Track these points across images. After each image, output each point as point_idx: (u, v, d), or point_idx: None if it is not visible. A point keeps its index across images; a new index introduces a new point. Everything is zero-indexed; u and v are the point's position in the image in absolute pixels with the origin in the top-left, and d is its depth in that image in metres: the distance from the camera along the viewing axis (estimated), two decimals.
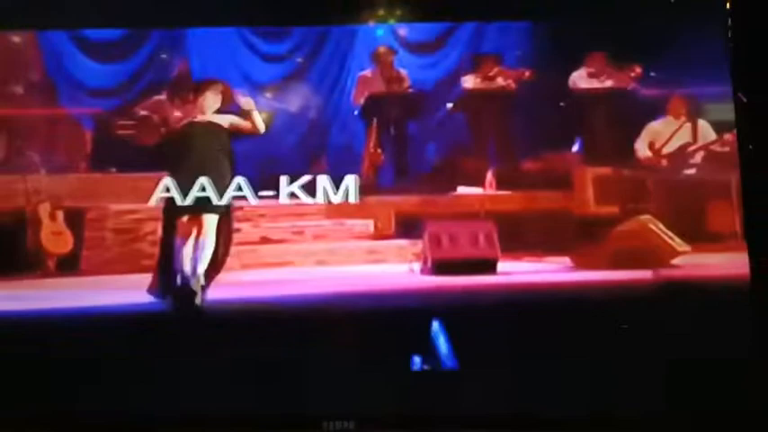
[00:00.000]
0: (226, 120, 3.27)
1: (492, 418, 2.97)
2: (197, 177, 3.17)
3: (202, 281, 3.11)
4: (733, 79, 3.16)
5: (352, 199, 3.17)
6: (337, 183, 3.15)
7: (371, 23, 3.50)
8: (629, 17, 3.35)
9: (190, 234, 3.15)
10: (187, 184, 3.15)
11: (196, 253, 3.14)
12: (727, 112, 3.14)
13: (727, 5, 3.21)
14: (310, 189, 3.17)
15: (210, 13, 3.34)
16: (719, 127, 3.24)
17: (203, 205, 3.14)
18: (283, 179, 3.14)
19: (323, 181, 3.13)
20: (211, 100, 3.23)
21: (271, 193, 3.15)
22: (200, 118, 3.29)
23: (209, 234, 3.12)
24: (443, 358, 3.01)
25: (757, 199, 3.06)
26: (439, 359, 3.03)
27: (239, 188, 3.17)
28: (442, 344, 3.00)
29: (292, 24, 3.51)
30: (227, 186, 3.23)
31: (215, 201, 3.15)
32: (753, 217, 3.05)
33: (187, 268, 3.14)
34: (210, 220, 3.14)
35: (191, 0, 3.49)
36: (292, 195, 3.14)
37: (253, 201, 3.14)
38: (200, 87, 3.26)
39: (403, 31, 3.53)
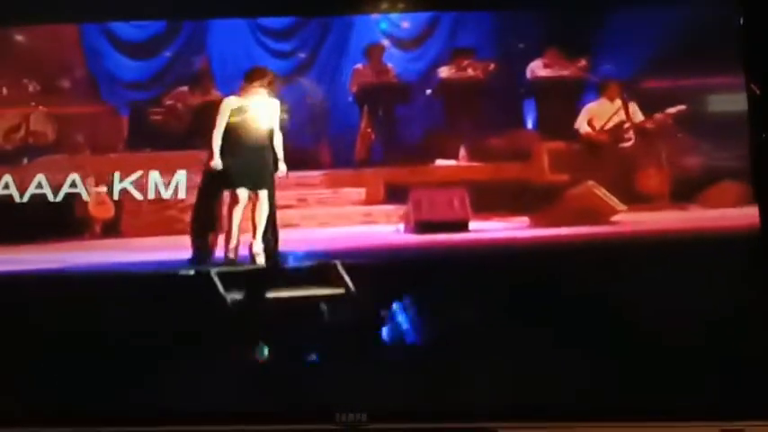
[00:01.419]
0: (273, 106, 3.46)
1: (504, 409, 2.98)
2: (249, 158, 3.42)
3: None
4: (746, 70, 3.21)
5: (182, 194, 3.38)
6: (168, 179, 3.37)
7: (368, 16, 3.69)
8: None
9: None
10: (235, 165, 3.41)
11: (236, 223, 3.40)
12: (738, 102, 3.21)
13: None
14: (141, 185, 3.38)
15: (223, 6, 3.54)
16: (730, 118, 3.25)
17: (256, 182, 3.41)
18: (116, 175, 3.39)
19: (154, 177, 3.37)
20: (259, 88, 3.42)
21: (103, 189, 3.40)
22: (250, 103, 3.45)
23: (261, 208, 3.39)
24: (405, 334, 3.13)
25: None
26: (402, 334, 3.15)
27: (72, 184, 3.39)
28: (403, 321, 3.14)
29: (294, 15, 3.71)
30: (273, 164, 3.43)
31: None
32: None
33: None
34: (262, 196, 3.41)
35: None
36: (123, 191, 3.38)
37: (85, 196, 3.41)
38: (251, 76, 3.44)
39: (391, 29, 3.75)
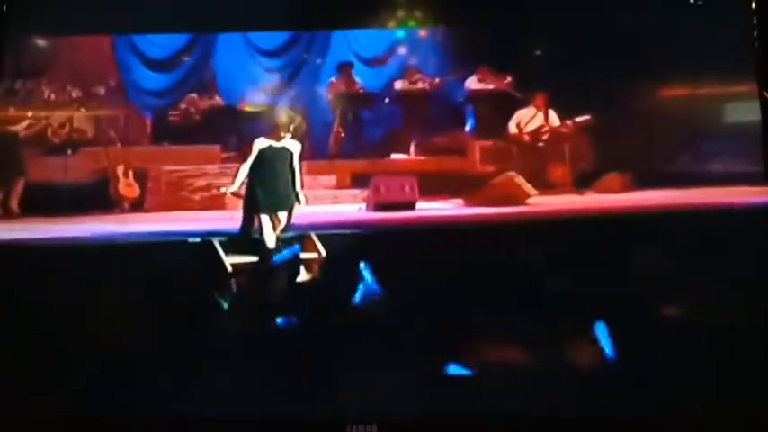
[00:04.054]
0: (294, 147, 3.57)
1: (515, 421, 2.79)
2: (273, 188, 3.52)
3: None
4: (758, 78, 3.07)
5: None
6: None
7: (341, 41, 4.09)
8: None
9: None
10: (266, 191, 3.52)
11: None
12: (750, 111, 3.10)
13: (753, 5, 3.10)
14: None
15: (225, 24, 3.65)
16: (743, 126, 3.22)
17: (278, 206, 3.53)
18: None
19: None
20: (286, 130, 3.54)
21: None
22: (276, 143, 3.53)
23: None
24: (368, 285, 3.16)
25: None
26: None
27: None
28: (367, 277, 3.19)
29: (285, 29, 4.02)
30: (291, 194, 3.52)
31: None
32: None
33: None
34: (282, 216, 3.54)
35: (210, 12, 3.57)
36: None
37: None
38: (282, 121, 3.54)
39: (359, 51, 4.17)
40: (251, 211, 3.57)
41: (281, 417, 2.85)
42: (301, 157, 3.58)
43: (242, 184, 3.56)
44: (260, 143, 3.57)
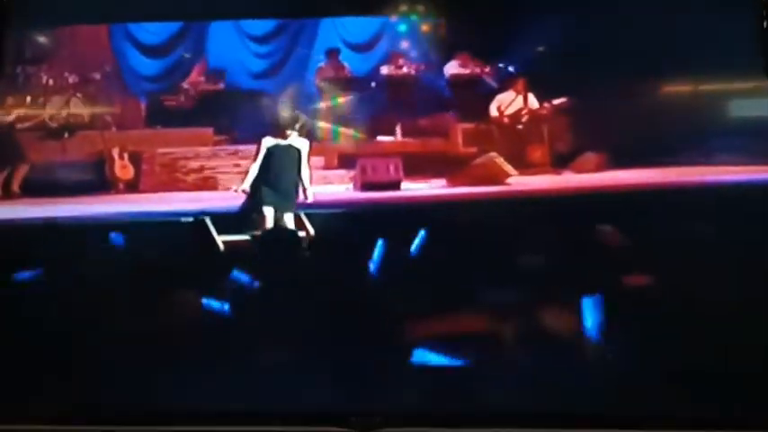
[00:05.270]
0: (302, 145, 3.54)
1: (521, 415, 2.70)
2: (277, 186, 3.49)
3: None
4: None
5: None
6: None
7: (329, 27, 4.11)
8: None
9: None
10: (270, 189, 3.49)
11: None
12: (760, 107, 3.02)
13: None
14: None
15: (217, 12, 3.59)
16: (751, 122, 3.10)
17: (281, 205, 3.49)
18: None
19: None
20: (291, 128, 3.52)
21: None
22: (283, 142, 3.52)
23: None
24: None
25: None
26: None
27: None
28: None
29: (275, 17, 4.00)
30: (296, 192, 3.50)
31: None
32: None
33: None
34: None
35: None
36: None
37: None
38: (287, 120, 3.56)
39: (346, 37, 4.19)
40: (254, 204, 3.54)
41: (284, 408, 2.78)
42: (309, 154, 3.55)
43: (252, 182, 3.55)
44: (267, 142, 3.54)
